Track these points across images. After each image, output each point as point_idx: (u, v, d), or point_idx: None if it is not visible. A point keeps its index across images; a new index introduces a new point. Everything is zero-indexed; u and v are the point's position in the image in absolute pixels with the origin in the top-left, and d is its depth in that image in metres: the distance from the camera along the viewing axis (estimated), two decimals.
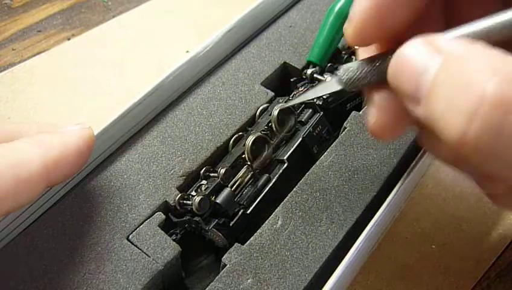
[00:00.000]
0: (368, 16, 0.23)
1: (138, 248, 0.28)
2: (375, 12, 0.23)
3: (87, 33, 0.52)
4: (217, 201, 0.30)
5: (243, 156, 0.32)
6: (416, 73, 0.21)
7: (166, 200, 0.30)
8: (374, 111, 0.25)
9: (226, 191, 0.30)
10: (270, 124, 0.33)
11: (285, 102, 0.33)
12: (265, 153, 0.32)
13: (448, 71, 0.19)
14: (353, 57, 0.37)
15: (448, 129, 0.19)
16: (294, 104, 0.33)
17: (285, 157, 0.32)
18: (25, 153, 0.25)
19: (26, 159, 0.24)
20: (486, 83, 0.17)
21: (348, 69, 0.25)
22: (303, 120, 0.34)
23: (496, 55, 0.19)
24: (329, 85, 0.26)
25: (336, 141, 0.32)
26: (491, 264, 0.38)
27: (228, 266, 0.28)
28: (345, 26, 0.24)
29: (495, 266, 0.38)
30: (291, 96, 0.35)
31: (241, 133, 0.34)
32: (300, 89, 0.35)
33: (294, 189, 0.31)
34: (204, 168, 0.32)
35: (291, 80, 0.36)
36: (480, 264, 0.38)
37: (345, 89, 0.26)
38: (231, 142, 0.33)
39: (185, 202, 0.30)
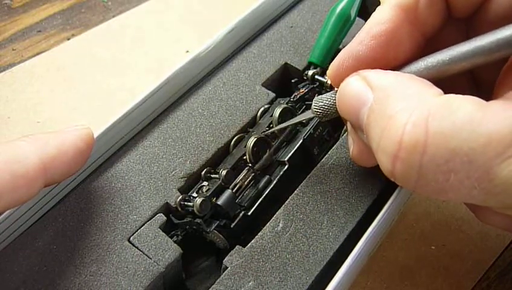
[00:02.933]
0: (343, 67, 0.26)
1: (139, 249, 0.28)
2: (351, 65, 0.25)
3: (87, 33, 0.52)
4: (218, 203, 0.30)
5: (244, 157, 0.32)
6: (356, 107, 0.24)
7: (167, 202, 0.30)
8: (351, 139, 0.27)
9: (227, 193, 0.30)
10: (271, 126, 0.33)
11: (269, 127, 0.33)
12: (266, 154, 0.32)
13: (376, 112, 0.22)
14: None
15: (381, 163, 0.22)
16: (278, 128, 0.33)
17: (286, 159, 0.32)
18: (21, 149, 0.25)
19: (22, 155, 0.25)
20: (404, 128, 0.20)
21: (319, 100, 0.27)
22: (304, 121, 0.34)
23: (417, 91, 0.21)
24: (307, 113, 0.30)
25: (337, 143, 0.32)
26: (491, 265, 0.38)
27: (229, 268, 0.28)
28: (328, 72, 0.27)
29: (495, 267, 0.38)
30: (292, 97, 0.35)
31: (242, 134, 0.34)
32: (301, 90, 0.35)
33: (295, 192, 0.31)
34: (205, 170, 0.32)
35: (292, 80, 0.36)
36: (479, 265, 0.38)
37: (316, 118, 0.28)
38: (232, 143, 0.33)
39: (186, 203, 0.30)
